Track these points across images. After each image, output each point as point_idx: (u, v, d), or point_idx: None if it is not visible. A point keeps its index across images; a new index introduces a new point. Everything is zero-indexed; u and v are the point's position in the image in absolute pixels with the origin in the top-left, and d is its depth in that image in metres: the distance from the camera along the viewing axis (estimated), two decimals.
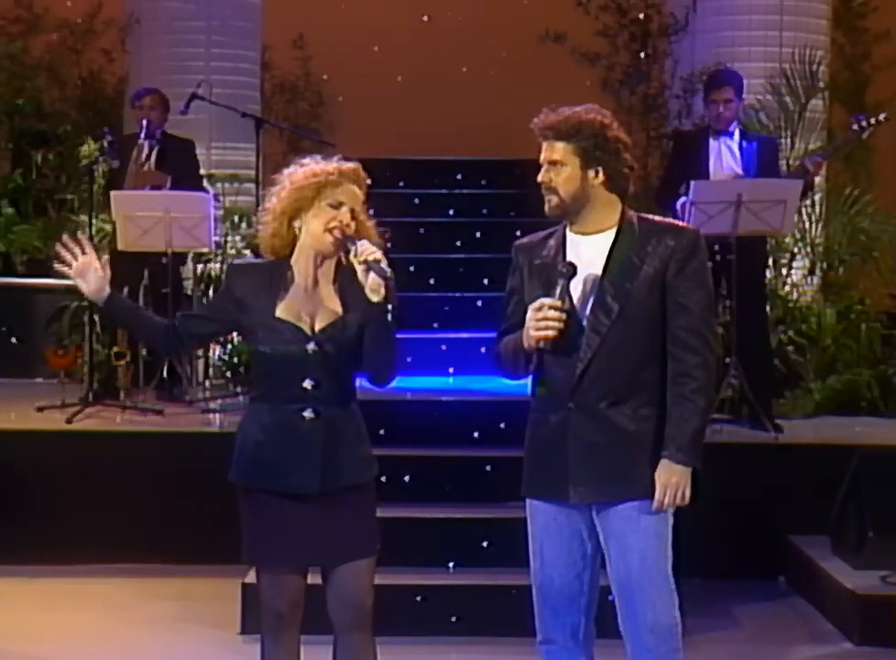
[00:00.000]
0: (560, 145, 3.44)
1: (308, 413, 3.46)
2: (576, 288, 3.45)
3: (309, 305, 3.50)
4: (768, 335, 6.88)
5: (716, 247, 6.27)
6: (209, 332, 3.71)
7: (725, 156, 6.65)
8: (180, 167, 7.21)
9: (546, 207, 3.49)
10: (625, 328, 3.41)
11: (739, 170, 6.60)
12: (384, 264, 3.38)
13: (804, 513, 6.01)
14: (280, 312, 3.48)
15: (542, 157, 3.48)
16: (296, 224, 3.50)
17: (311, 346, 3.45)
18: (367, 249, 3.39)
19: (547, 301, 3.38)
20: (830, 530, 5.75)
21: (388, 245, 3.52)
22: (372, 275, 3.38)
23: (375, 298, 3.39)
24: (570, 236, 3.51)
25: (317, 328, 3.48)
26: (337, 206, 3.48)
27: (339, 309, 3.50)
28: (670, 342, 3.43)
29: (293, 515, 3.46)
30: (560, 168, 3.44)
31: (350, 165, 3.54)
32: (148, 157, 7.19)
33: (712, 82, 6.80)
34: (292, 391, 3.46)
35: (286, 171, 3.57)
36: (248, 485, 3.50)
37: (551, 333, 3.37)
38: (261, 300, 3.49)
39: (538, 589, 3.57)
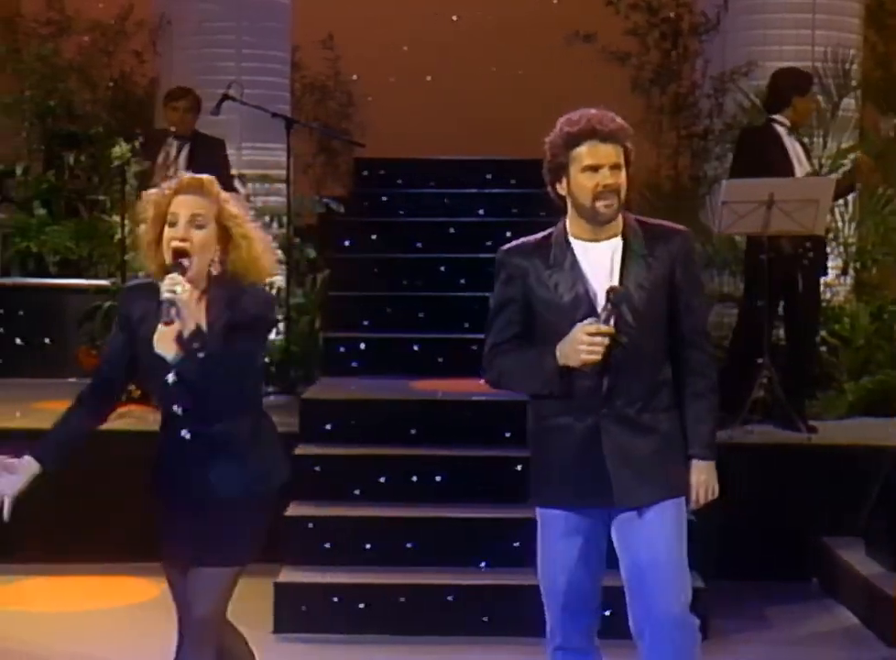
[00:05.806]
0: (619, 149, 3.49)
1: (185, 434, 3.51)
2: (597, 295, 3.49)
3: (177, 328, 3.34)
4: (816, 336, 6.87)
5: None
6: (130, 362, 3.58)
7: (800, 152, 6.70)
8: (210, 167, 7.19)
9: (608, 211, 3.48)
10: (645, 331, 3.49)
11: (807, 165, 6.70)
12: (173, 310, 3.25)
13: (838, 515, 5.97)
14: (155, 338, 3.36)
15: (603, 160, 3.46)
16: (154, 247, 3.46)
17: (170, 377, 3.43)
18: (166, 287, 3.29)
19: (604, 327, 3.40)
20: (864, 531, 5.71)
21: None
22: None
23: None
24: (575, 242, 3.54)
25: (175, 357, 3.35)
26: (173, 223, 3.42)
27: (205, 327, 3.37)
28: (679, 342, 3.54)
29: (176, 520, 3.58)
30: (620, 171, 3.49)
31: (183, 177, 3.50)
32: (177, 157, 7.18)
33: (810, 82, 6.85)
34: (170, 415, 3.53)
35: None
36: (151, 493, 3.64)
37: (596, 357, 3.41)
38: (145, 326, 3.44)
39: (556, 595, 3.64)
